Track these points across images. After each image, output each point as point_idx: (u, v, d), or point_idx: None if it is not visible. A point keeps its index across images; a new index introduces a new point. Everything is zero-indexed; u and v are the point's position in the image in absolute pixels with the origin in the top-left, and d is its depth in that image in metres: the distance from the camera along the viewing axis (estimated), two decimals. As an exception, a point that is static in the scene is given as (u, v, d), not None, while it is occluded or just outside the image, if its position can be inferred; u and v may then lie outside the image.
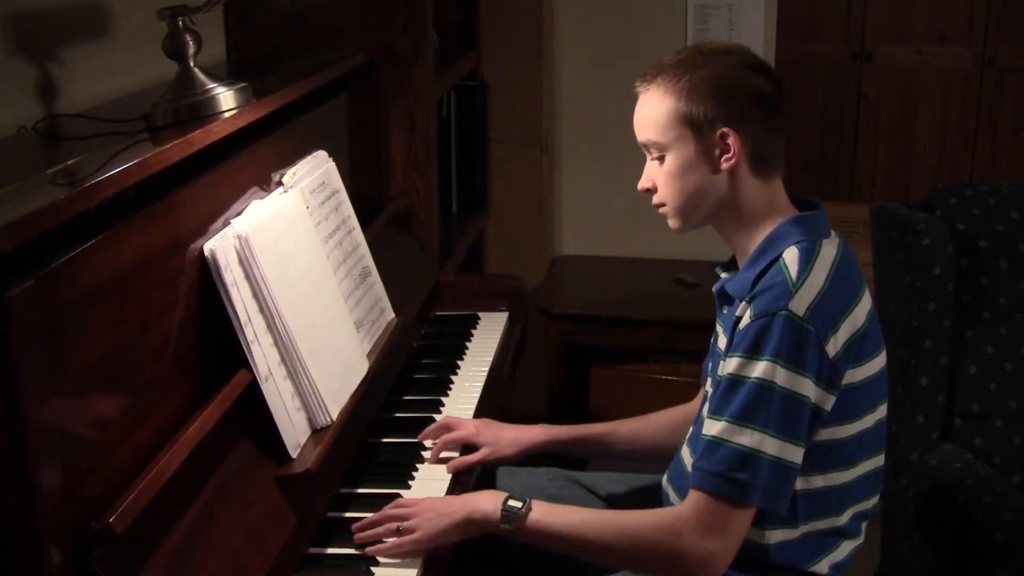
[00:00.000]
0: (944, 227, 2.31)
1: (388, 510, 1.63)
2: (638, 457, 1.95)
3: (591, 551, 1.61)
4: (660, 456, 1.88)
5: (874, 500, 1.69)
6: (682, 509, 1.54)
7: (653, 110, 1.61)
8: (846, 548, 1.66)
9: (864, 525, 1.71)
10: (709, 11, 3.27)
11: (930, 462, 2.25)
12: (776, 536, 1.60)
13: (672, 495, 1.74)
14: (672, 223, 1.68)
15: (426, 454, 1.86)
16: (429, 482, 1.79)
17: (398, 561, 1.57)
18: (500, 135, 3.31)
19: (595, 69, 3.31)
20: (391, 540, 1.58)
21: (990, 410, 2.33)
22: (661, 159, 1.63)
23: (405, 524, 1.59)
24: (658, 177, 1.64)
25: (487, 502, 1.61)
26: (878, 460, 1.66)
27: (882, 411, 1.64)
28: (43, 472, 1.10)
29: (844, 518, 1.63)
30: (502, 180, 3.34)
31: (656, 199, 1.66)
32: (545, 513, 1.60)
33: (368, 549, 1.58)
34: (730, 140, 1.58)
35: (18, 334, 1.07)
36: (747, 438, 1.49)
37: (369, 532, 1.60)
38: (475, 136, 3.15)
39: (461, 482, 1.82)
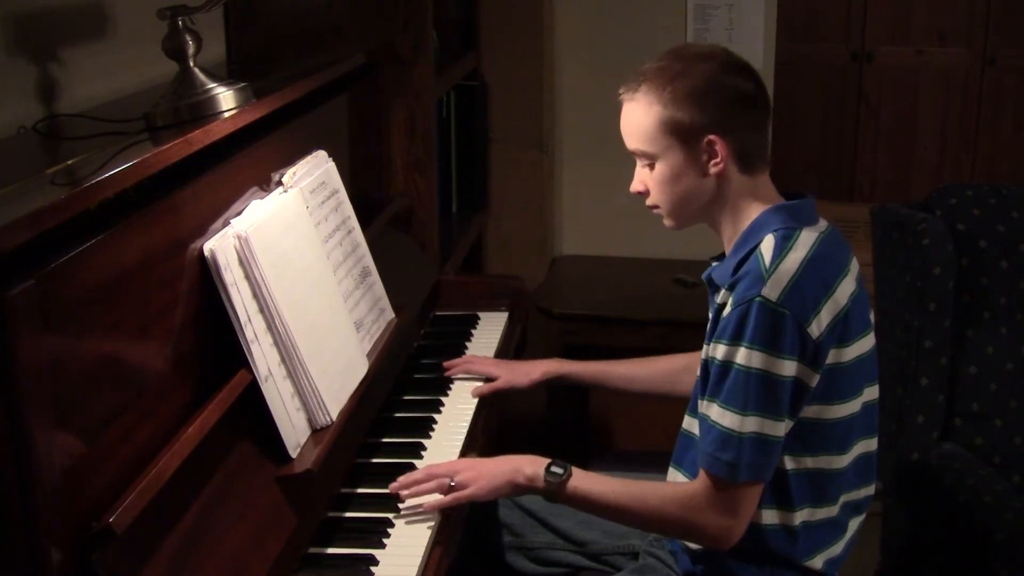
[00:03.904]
0: (944, 227, 2.30)
1: (429, 469, 1.72)
2: (637, 395, 2.12)
3: (623, 518, 1.75)
4: (657, 397, 2.08)
5: (866, 491, 1.73)
6: (695, 487, 1.64)
7: (640, 120, 1.67)
8: (840, 544, 1.71)
9: (859, 520, 1.74)
10: (709, 11, 3.27)
11: (930, 462, 2.25)
12: (772, 517, 1.65)
13: (679, 476, 1.78)
14: (667, 222, 1.76)
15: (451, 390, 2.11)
16: (429, 482, 1.79)
17: (397, 561, 1.57)
18: (500, 135, 3.30)
19: (595, 69, 3.30)
20: (439, 497, 1.68)
21: (990, 410, 2.33)
22: (651, 166, 1.69)
23: (458, 479, 1.70)
24: (649, 182, 1.71)
25: (531, 466, 1.71)
26: (870, 443, 1.72)
27: (869, 394, 1.69)
28: (43, 472, 1.10)
29: (837, 507, 1.68)
30: (502, 180, 3.33)
31: (649, 201, 1.74)
32: (583, 481, 1.70)
33: (427, 504, 1.67)
34: (717, 147, 1.63)
35: (18, 334, 1.07)
36: (729, 420, 1.58)
37: (422, 487, 1.69)
38: (475, 136, 3.15)
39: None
